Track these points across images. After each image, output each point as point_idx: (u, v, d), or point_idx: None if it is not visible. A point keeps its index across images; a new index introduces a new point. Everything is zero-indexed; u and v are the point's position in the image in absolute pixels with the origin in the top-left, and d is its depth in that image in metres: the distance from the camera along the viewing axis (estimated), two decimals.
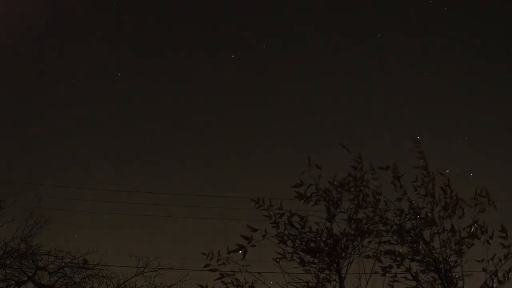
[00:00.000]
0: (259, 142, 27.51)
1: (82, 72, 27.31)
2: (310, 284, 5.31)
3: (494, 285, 5.23)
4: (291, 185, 5.44)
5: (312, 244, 5.42)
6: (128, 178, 26.99)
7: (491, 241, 5.34)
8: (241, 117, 28.05)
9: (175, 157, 27.97)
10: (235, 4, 26.38)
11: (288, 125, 27.90)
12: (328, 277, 5.40)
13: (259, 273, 5.28)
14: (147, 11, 26.43)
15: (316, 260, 5.41)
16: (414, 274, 5.38)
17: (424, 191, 5.49)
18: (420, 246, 5.40)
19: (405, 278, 5.39)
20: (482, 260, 5.31)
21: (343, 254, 5.43)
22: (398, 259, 5.40)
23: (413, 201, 5.47)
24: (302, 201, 5.45)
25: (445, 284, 5.28)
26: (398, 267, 5.40)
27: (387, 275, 5.41)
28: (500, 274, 5.25)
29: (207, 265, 5.19)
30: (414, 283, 5.37)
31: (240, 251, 5.22)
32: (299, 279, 5.38)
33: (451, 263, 5.35)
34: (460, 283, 5.30)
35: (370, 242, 5.51)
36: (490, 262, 5.28)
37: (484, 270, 5.28)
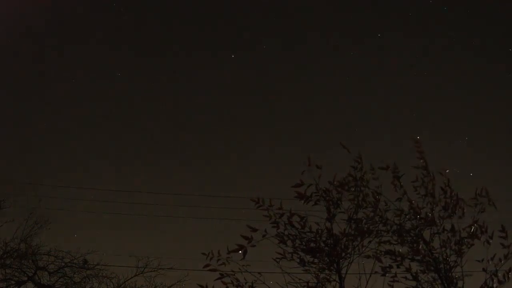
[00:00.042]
0: (259, 142, 27.53)
1: (82, 72, 27.33)
2: (310, 284, 5.31)
3: (494, 285, 5.22)
4: (291, 185, 5.44)
5: (312, 244, 5.42)
6: (128, 178, 27.01)
7: (491, 241, 5.34)
8: (241, 117, 28.06)
9: (175, 157, 27.99)
10: (235, 4, 26.40)
11: (288, 125, 27.91)
12: (328, 277, 5.40)
13: (259, 273, 5.29)
14: (147, 11, 26.46)
15: (316, 260, 5.41)
16: (414, 274, 5.38)
17: (424, 191, 5.48)
18: (420, 246, 5.40)
19: (405, 278, 5.39)
20: (482, 260, 5.30)
21: (343, 254, 5.43)
22: (398, 259, 5.40)
23: (413, 201, 5.47)
24: (302, 201, 5.45)
25: (445, 284, 5.28)
26: (398, 267, 5.40)
27: (387, 275, 5.41)
28: (500, 274, 5.25)
29: (207, 265, 5.19)
30: (414, 283, 5.37)
31: (240, 251, 5.22)
32: (299, 279, 5.38)
33: (451, 263, 5.35)
34: (460, 283, 5.30)
35: (370, 242, 5.51)
36: (490, 262, 5.28)
37: (484, 270, 5.28)
